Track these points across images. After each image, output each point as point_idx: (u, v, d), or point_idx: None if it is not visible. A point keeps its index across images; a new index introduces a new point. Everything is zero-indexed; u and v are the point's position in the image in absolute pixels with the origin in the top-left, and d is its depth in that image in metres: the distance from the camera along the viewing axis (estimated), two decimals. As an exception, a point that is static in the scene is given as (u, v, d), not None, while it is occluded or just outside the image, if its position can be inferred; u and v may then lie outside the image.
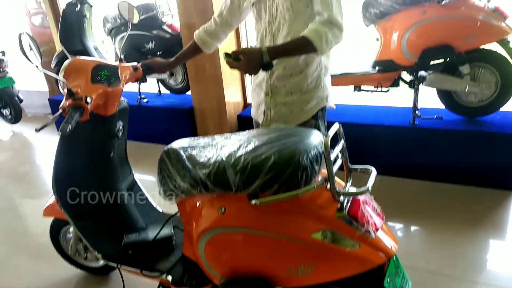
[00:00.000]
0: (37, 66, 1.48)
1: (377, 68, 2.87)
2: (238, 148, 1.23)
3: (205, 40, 1.84)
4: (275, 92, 1.67)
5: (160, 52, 3.76)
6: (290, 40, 1.53)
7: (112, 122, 1.74)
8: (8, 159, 4.19)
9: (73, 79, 1.58)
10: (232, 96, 3.63)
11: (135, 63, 1.82)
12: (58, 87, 4.57)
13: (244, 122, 3.56)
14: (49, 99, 4.73)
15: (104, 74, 1.64)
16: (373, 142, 2.93)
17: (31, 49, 1.47)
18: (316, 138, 1.24)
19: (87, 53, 4.21)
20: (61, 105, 1.50)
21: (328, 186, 1.15)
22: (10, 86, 4.82)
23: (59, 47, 4.18)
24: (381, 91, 2.90)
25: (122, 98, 1.79)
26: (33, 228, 2.77)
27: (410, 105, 2.82)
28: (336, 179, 1.20)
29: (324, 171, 1.21)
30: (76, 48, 4.10)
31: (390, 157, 2.91)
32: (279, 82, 1.66)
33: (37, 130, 1.40)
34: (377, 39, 2.95)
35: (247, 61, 1.38)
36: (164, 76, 3.86)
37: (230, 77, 3.53)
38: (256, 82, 1.78)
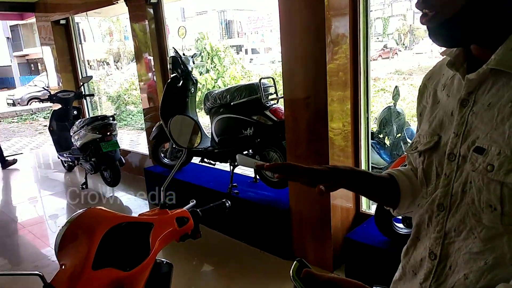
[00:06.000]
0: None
1: None
2: None
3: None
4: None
5: (259, 140, 3.16)
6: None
7: None
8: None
9: (71, 249, 0.97)
10: (341, 200, 2.80)
11: (185, 209, 1.16)
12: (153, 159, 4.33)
13: (352, 247, 2.63)
14: (144, 169, 4.49)
15: (122, 245, 0.99)
16: None
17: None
18: None
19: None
20: None
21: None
22: (114, 150, 4.78)
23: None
24: None
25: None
26: None
27: None
28: None
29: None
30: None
31: None
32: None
33: None
34: None
35: None
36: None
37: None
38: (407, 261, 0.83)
